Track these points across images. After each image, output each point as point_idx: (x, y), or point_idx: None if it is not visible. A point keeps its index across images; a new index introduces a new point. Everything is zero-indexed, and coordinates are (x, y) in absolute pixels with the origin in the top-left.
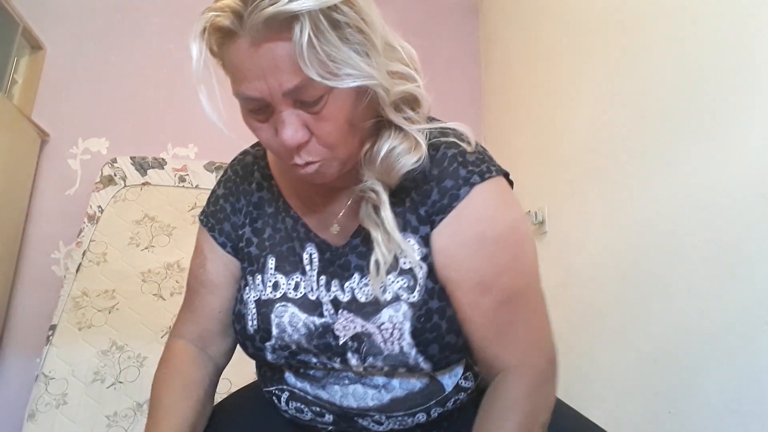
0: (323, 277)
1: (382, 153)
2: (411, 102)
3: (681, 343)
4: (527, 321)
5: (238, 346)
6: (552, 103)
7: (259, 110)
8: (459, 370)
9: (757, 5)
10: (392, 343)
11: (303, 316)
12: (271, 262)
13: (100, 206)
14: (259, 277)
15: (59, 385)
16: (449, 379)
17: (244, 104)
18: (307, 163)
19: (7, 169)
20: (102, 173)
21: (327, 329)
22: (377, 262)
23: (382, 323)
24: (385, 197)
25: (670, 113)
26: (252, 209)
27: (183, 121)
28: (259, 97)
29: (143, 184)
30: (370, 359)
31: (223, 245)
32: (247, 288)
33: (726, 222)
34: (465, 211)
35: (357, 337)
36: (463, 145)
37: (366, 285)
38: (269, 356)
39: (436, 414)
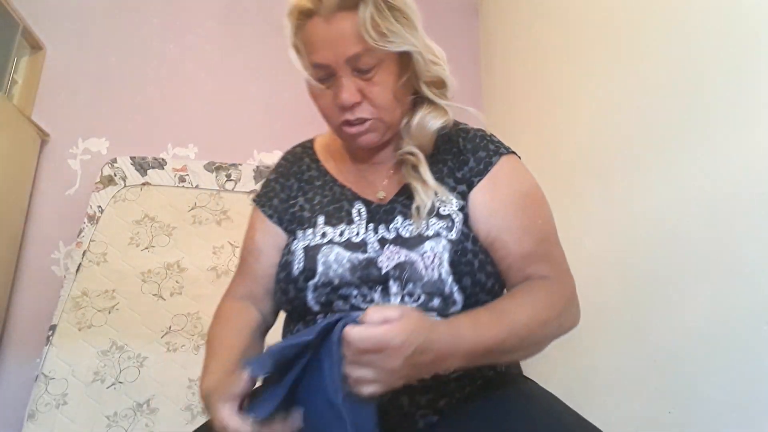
0: (371, 225)
1: (416, 119)
2: (440, 85)
3: (681, 343)
4: (561, 254)
5: None
6: (552, 104)
7: (324, 79)
8: None
9: (757, 5)
10: (432, 269)
11: (347, 253)
12: (321, 219)
13: (100, 206)
14: (310, 230)
15: (59, 385)
16: None
17: (314, 73)
18: (358, 121)
19: (7, 169)
20: (102, 173)
21: (371, 262)
22: (418, 207)
23: (425, 252)
24: (422, 156)
25: (670, 113)
26: (303, 184)
27: (183, 121)
28: (326, 63)
29: (143, 184)
30: (410, 285)
31: (270, 216)
32: (296, 240)
33: (726, 222)
34: (499, 173)
35: (400, 266)
36: (483, 130)
37: (410, 225)
38: (310, 296)
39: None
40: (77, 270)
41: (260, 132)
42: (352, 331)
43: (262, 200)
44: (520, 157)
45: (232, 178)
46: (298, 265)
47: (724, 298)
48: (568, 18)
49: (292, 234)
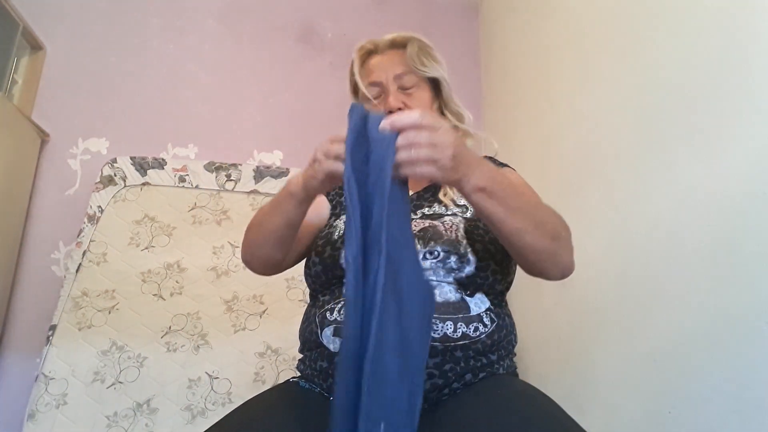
0: None
1: None
2: (460, 118)
3: (681, 343)
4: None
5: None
6: (552, 103)
7: (376, 96)
8: (483, 304)
9: (755, 7)
10: (451, 232)
11: None
12: None
13: (100, 206)
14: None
15: (59, 385)
16: (475, 306)
17: (370, 91)
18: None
19: (7, 169)
20: (102, 173)
21: None
22: (445, 194)
23: (444, 220)
24: None
25: (670, 113)
26: None
27: (183, 121)
28: (379, 81)
29: (143, 184)
30: (431, 244)
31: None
32: (337, 219)
33: (726, 222)
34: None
35: (424, 230)
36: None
37: (433, 208)
38: (342, 256)
39: (459, 333)
40: (77, 270)
41: (260, 132)
42: (413, 112)
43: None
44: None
45: (232, 178)
46: (338, 233)
47: (723, 298)
48: (568, 18)
49: (334, 210)
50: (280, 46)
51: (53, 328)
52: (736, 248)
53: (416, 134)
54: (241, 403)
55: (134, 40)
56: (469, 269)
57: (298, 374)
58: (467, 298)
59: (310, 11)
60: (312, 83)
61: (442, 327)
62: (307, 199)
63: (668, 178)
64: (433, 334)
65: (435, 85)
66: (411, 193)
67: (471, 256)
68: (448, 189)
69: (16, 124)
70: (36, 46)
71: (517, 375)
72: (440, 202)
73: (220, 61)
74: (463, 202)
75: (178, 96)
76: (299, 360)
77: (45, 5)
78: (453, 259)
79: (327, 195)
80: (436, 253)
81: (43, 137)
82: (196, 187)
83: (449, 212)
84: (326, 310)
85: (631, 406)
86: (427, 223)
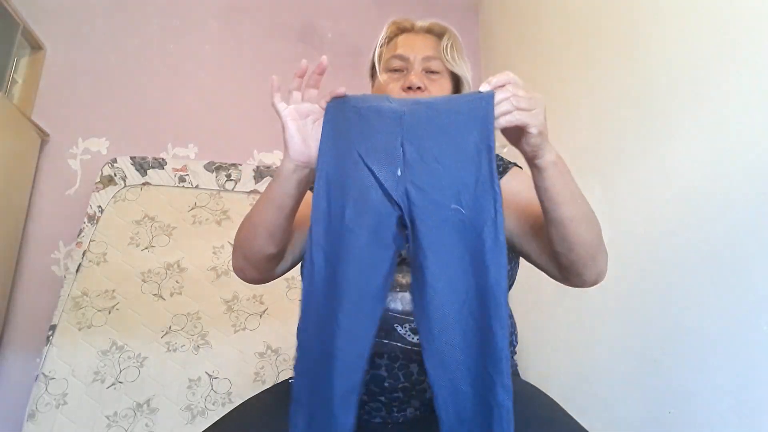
0: None
1: None
2: None
3: (681, 343)
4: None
5: None
6: (552, 103)
7: (396, 70)
8: None
9: (754, 8)
10: None
11: None
12: None
13: (100, 206)
14: None
15: (59, 385)
16: None
17: (391, 62)
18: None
19: (7, 169)
20: (102, 173)
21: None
22: None
23: None
24: None
25: (670, 112)
26: None
27: (183, 121)
28: (406, 55)
29: (143, 184)
30: None
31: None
32: None
33: (726, 222)
34: (515, 175)
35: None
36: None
37: None
38: None
39: None
40: (77, 270)
41: (260, 132)
42: (506, 74)
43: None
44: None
45: (232, 178)
46: None
47: (723, 298)
48: (567, 18)
49: None
50: (280, 46)
51: (53, 328)
52: (736, 248)
53: (516, 88)
54: (240, 403)
55: (134, 40)
56: None
57: None
58: None
59: (310, 11)
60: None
61: None
62: (295, 170)
63: (668, 178)
64: None
65: (455, 83)
66: None
67: None
68: None
69: (16, 124)
70: (36, 46)
71: (518, 374)
72: None
73: (220, 61)
74: None
75: (178, 96)
76: None
77: (45, 5)
78: None
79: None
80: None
81: (43, 137)
82: (196, 187)
83: None
84: None
85: (631, 406)
86: None
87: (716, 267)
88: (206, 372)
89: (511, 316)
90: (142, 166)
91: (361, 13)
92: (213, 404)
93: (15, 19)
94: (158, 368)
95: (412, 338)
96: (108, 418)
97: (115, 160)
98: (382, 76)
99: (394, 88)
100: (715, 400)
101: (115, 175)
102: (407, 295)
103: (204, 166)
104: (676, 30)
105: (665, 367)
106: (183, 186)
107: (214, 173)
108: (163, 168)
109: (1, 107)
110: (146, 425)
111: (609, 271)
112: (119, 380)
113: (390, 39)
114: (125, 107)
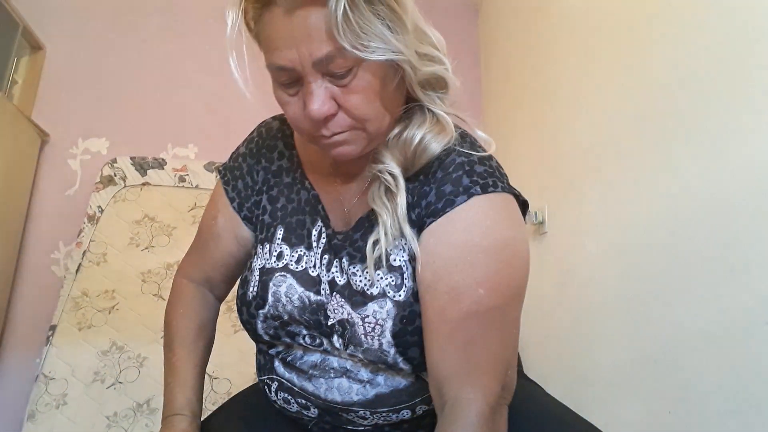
0: (326, 257)
1: (416, 140)
2: (439, 85)
3: (681, 343)
4: (490, 343)
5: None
6: (552, 103)
7: (289, 83)
8: None
9: (756, 7)
10: (372, 338)
11: (300, 289)
12: (280, 232)
13: (100, 206)
14: (267, 246)
15: (59, 385)
16: None
17: (276, 76)
18: (334, 135)
19: (7, 169)
20: (102, 173)
21: (320, 307)
22: (376, 242)
23: (366, 315)
24: (402, 182)
25: (669, 113)
26: (270, 177)
27: (183, 121)
28: (290, 66)
29: (143, 184)
30: (351, 348)
31: (231, 200)
32: (256, 257)
33: (726, 222)
34: (459, 216)
35: (342, 323)
36: (476, 155)
37: (364, 270)
38: (259, 325)
39: (421, 411)
40: (77, 270)
41: None
42: None
43: (227, 176)
44: (519, 198)
45: None
46: (252, 289)
47: (723, 298)
48: (568, 18)
49: (255, 240)
50: None
51: (53, 328)
52: (736, 248)
53: None
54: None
55: (134, 40)
56: (407, 372)
57: None
58: (423, 376)
59: None
60: None
61: (397, 417)
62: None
63: (668, 178)
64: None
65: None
66: (347, 223)
67: (404, 365)
68: (385, 233)
69: (16, 124)
70: (36, 46)
71: (526, 376)
72: (374, 247)
73: (220, 61)
74: (398, 261)
75: (178, 96)
76: None
77: (45, 5)
78: (382, 367)
79: (233, 201)
80: (358, 359)
81: (43, 137)
82: (196, 187)
83: (376, 290)
84: (265, 381)
85: (631, 406)
86: (346, 312)
87: (716, 267)
88: (206, 372)
89: None
90: (142, 166)
91: None
92: (213, 404)
93: (15, 19)
94: (158, 368)
95: (362, 422)
96: (108, 419)
97: (115, 161)
98: (282, 107)
99: (298, 116)
100: (715, 400)
101: (115, 175)
102: (345, 382)
103: (204, 166)
104: (676, 30)
105: (665, 367)
106: (183, 186)
107: (214, 173)
108: (163, 168)
109: (1, 107)
110: (146, 425)
111: (608, 270)
112: (119, 380)
113: (252, 23)
114: (125, 107)
